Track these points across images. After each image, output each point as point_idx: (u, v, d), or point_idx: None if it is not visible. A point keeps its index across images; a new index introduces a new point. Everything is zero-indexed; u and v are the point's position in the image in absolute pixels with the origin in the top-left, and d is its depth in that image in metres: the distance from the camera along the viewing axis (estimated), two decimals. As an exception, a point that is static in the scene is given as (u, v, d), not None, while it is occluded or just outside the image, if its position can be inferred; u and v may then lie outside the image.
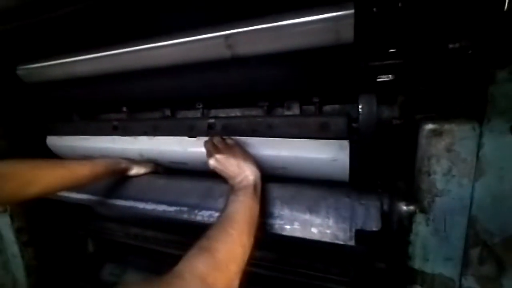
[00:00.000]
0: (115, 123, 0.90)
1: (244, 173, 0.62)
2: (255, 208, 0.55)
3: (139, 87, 0.86)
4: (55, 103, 1.04)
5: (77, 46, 0.85)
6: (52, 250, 1.08)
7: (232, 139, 0.71)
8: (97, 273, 1.19)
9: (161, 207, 0.79)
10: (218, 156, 0.65)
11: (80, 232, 1.14)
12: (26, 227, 0.99)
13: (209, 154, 0.68)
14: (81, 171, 0.70)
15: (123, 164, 0.81)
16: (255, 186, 0.59)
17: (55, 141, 1.01)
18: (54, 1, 0.66)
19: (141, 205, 0.83)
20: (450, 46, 0.38)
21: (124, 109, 0.94)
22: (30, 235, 1.00)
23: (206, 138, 0.77)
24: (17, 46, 0.88)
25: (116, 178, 0.83)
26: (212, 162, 0.66)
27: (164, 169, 0.89)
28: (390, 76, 0.61)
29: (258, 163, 0.66)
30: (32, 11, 0.68)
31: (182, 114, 0.89)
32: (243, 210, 0.52)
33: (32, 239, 1.01)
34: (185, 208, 0.75)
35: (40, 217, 1.02)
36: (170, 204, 0.78)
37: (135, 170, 0.83)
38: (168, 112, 0.89)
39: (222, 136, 0.71)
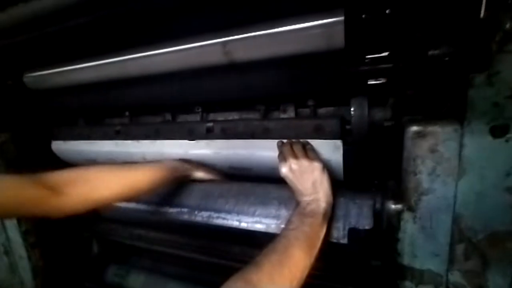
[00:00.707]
0: (118, 127, 0.94)
1: (317, 195, 0.57)
2: (318, 239, 0.51)
3: (140, 92, 0.89)
4: (60, 109, 1.07)
5: (80, 55, 0.88)
6: (58, 251, 1.11)
7: (314, 151, 0.63)
8: (102, 274, 1.22)
9: (163, 209, 0.81)
10: (294, 166, 0.59)
11: (85, 234, 1.17)
12: (33, 229, 1.02)
13: (283, 159, 0.62)
14: (148, 174, 0.67)
15: (188, 167, 0.76)
16: (325, 214, 0.55)
17: (60, 146, 1.05)
18: (59, 16, 0.69)
19: (143, 207, 0.86)
20: (430, 52, 0.41)
21: (127, 113, 0.97)
22: (37, 236, 1.03)
23: (204, 141, 0.80)
24: (23, 56, 0.92)
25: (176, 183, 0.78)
26: (284, 169, 0.61)
27: (225, 176, 0.83)
28: (382, 79, 0.63)
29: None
30: (38, 24, 0.72)
31: (182, 118, 0.92)
32: (304, 246, 0.48)
33: (39, 241, 1.04)
34: (185, 209, 0.78)
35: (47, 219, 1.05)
36: (171, 205, 0.81)
37: (201, 175, 0.77)
38: (169, 116, 0.92)
39: (306, 145, 0.64)
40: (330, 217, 0.58)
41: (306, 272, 0.47)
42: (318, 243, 0.51)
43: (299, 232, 0.50)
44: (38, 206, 0.53)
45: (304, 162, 0.59)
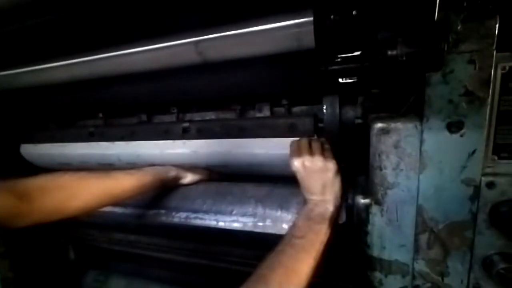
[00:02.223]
0: (91, 129, 0.91)
1: (325, 197, 0.55)
2: (323, 245, 0.50)
3: (114, 93, 0.87)
4: (29, 111, 1.03)
5: (50, 53, 0.85)
6: (31, 261, 1.06)
7: (330, 152, 0.59)
8: (80, 280, 1.18)
9: (140, 211, 0.80)
10: (307, 163, 0.56)
11: (61, 240, 1.13)
12: (5, 252, 0.97)
13: (297, 153, 0.59)
14: (128, 181, 0.65)
15: (174, 172, 0.74)
16: (331, 218, 0.53)
17: (30, 149, 1.00)
18: (25, 12, 0.66)
19: (120, 210, 0.84)
20: (389, 53, 0.42)
21: (100, 115, 0.94)
22: (6, 246, 0.99)
23: (181, 141, 0.79)
24: (-15, 55, 0.87)
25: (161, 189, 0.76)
26: (297, 163, 0.57)
27: (219, 174, 0.83)
28: (352, 78, 0.65)
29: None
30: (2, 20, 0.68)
31: (158, 118, 0.90)
32: (308, 257, 0.47)
33: (8, 251, 0.99)
34: (163, 211, 0.77)
35: (22, 240, 1.01)
36: (148, 207, 0.80)
37: (189, 178, 0.76)
38: (144, 117, 0.90)
39: (324, 144, 0.60)
40: (336, 220, 0.56)
41: (309, 281, 0.47)
42: (322, 249, 0.50)
43: (307, 241, 0.48)
44: (6, 215, 0.50)
45: (319, 161, 0.56)
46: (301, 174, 0.58)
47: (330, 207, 0.54)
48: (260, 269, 0.44)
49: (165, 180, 0.72)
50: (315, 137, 0.67)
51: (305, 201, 0.58)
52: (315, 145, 0.60)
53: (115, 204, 0.68)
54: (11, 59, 0.90)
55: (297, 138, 0.64)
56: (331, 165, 0.56)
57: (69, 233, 1.11)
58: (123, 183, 0.64)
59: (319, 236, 0.50)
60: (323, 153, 0.58)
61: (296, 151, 0.60)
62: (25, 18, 0.74)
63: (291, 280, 0.43)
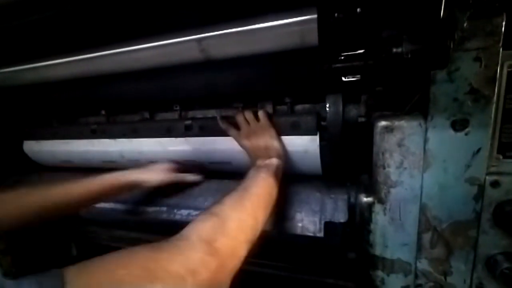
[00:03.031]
0: (94, 126, 0.91)
1: (270, 158, 0.63)
2: (274, 188, 0.56)
3: (116, 90, 0.87)
4: (32, 107, 1.03)
5: (53, 50, 0.85)
6: (33, 257, 1.07)
7: (266, 118, 0.68)
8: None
9: (142, 208, 0.80)
10: (252, 140, 0.66)
11: (63, 237, 1.13)
12: (2, 234, 0.97)
13: (237, 128, 0.69)
14: (76, 191, 0.64)
15: (133, 176, 0.70)
16: (277, 168, 0.60)
17: (32, 146, 1.00)
18: (26, 7, 0.66)
19: (122, 207, 0.84)
20: (394, 50, 0.42)
21: (103, 112, 0.94)
22: (8, 242, 0.99)
23: (184, 138, 0.79)
24: (-11, 51, 0.87)
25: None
26: (239, 138, 0.69)
27: (192, 166, 0.78)
28: (356, 76, 0.65)
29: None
30: (4, 16, 0.68)
31: (160, 116, 0.90)
32: (262, 185, 0.53)
33: (10, 247, 1.00)
34: (164, 208, 0.77)
35: (22, 237, 1.01)
36: (150, 205, 0.80)
37: (153, 180, 0.71)
38: (146, 115, 0.90)
39: (256, 112, 0.69)
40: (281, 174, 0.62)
41: (267, 211, 0.51)
42: (274, 191, 0.55)
43: (256, 177, 0.55)
44: None
45: (256, 131, 0.66)
46: (245, 145, 0.68)
47: (274, 162, 0.62)
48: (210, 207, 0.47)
49: (122, 186, 0.69)
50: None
51: (253, 164, 0.64)
52: (250, 117, 0.69)
53: (65, 215, 0.66)
54: (14, 55, 0.90)
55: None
56: (265, 124, 0.67)
57: (71, 230, 1.11)
58: (70, 195, 0.63)
59: (268, 174, 0.56)
60: (256, 121, 0.68)
61: (235, 127, 0.70)
62: (27, 14, 0.74)
63: (245, 197, 0.49)
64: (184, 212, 0.74)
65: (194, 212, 0.74)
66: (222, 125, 0.72)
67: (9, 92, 0.98)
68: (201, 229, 0.40)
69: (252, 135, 0.66)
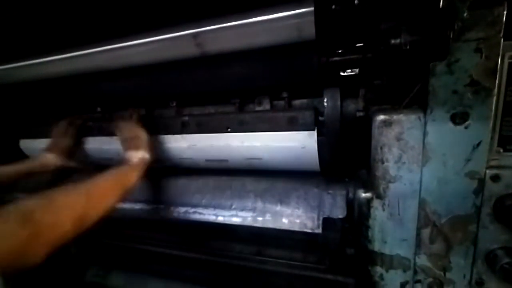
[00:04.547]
0: (89, 123, 0.90)
1: (137, 149, 0.72)
2: (130, 175, 0.64)
3: (112, 87, 0.86)
4: (28, 106, 1.02)
5: (48, 47, 0.83)
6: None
7: (138, 122, 0.78)
8: (82, 275, 1.19)
9: (138, 206, 0.80)
10: (130, 142, 0.75)
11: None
12: None
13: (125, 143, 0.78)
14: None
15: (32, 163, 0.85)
16: (139, 163, 0.69)
17: (29, 144, 1.00)
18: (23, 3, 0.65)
19: (121, 205, 0.83)
20: (392, 42, 0.41)
21: (98, 109, 0.93)
22: None
23: (180, 135, 0.78)
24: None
25: None
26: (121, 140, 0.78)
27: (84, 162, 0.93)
28: (354, 70, 0.64)
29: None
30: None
31: (157, 112, 0.89)
32: (115, 173, 0.62)
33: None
34: (162, 206, 0.77)
35: None
36: (147, 202, 0.79)
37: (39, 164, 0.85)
38: (143, 112, 0.89)
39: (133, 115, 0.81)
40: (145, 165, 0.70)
41: (109, 201, 0.57)
42: (130, 178, 0.64)
43: (109, 174, 0.62)
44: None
45: (131, 131, 0.75)
46: (125, 148, 0.74)
47: (137, 154, 0.70)
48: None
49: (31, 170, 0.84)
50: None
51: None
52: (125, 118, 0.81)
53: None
54: (9, 53, 0.89)
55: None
56: (138, 129, 0.75)
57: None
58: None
59: (120, 171, 0.65)
60: (132, 124, 0.77)
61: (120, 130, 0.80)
62: (23, 10, 0.73)
63: (83, 188, 0.54)
64: (182, 209, 0.74)
65: (191, 209, 0.73)
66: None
67: (5, 90, 0.97)
68: (23, 203, 0.45)
69: (126, 132, 0.76)
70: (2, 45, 0.87)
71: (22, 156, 1.01)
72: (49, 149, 0.88)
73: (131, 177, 0.64)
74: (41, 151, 0.91)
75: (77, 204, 0.50)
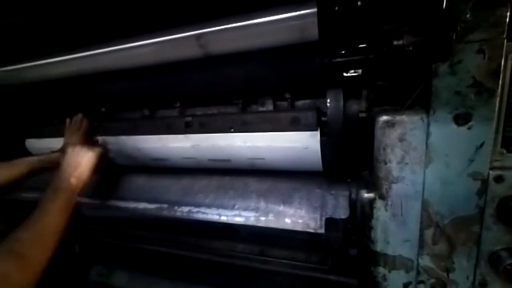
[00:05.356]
0: (94, 123, 0.91)
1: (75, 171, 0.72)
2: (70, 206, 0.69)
3: (116, 87, 0.87)
4: (33, 106, 1.03)
5: (53, 48, 0.85)
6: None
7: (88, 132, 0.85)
8: (85, 274, 1.20)
9: (142, 205, 0.80)
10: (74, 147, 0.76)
11: (65, 234, 1.14)
12: (6, 230, 0.98)
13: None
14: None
15: (29, 163, 0.85)
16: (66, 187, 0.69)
17: (34, 144, 1.01)
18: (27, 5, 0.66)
19: (123, 205, 0.84)
20: (395, 43, 0.41)
21: (103, 109, 0.94)
22: (8, 224, 1.00)
23: (183, 135, 0.79)
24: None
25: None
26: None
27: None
28: (357, 71, 0.64)
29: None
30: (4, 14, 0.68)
31: (161, 113, 0.90)
32: (58, 209, 0.67)
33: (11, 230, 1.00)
34: (165, 205, 0.77)
35: (21, 220, 1.02)
36: (150, 201, 0.80)
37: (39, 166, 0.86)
38: (147, 112, 0.90)
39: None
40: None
41: (61, 225, 0.66)
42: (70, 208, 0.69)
43: (54, 203, 0.66)
44: None
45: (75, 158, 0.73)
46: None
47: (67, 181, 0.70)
48: None
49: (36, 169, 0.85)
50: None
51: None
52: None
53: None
54: (15, 54, 0.90)
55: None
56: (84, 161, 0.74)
57: (73, 228, 1.11)
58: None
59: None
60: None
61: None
62: (27, 11, 0.74)
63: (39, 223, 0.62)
64: (185, 209, 0.74)
65: (194, 209, 0.73)
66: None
67: (11, 91, 0.99)
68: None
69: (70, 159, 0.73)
70: (9, 47, 0.88)
71: (27, 155, 1.02)
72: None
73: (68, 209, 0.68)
74: (47, 149, 0.93)
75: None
